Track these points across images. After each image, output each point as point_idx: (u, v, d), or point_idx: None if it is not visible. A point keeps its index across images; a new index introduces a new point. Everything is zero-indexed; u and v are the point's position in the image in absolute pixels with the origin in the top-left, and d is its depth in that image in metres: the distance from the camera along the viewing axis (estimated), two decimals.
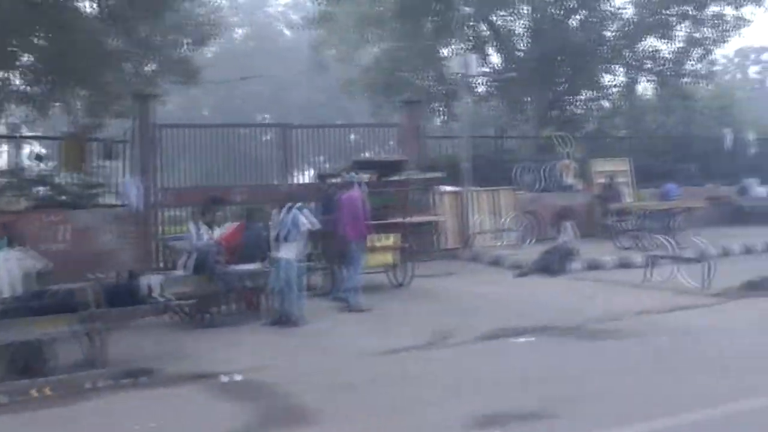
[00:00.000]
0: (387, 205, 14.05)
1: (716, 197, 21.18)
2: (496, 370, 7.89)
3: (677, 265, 12.78)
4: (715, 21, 25.42)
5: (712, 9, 25.00)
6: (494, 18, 22.59)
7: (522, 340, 9.27)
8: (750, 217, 20.85)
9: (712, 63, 26.40)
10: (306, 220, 11.05)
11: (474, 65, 17.47)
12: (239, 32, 46.64)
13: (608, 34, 23.99)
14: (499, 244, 17.21)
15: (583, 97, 24.37)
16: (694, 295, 11.81)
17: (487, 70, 22.76)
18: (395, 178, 14.56)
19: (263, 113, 44.91)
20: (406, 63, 22.64)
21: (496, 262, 15.94)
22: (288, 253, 10.82)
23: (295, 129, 17.38)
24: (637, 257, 14.82)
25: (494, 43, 22.95)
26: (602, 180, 19.47)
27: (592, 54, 23.18)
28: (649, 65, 24.22)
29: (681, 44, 25.24)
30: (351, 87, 25.03)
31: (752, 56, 51.00)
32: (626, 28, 24.20)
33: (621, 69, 24.40)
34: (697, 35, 25.34)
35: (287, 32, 43.51)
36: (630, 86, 24.44)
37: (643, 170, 20.56)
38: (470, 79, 20.03)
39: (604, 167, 19.92)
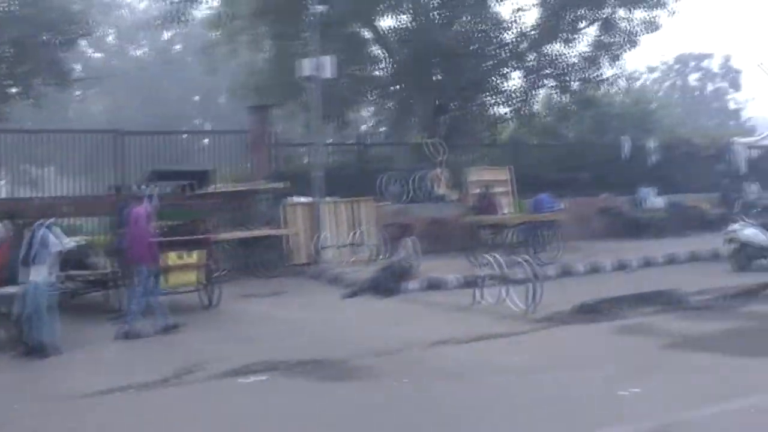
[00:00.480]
0: (195, 220, 12.62)
1: (608, 208, 19.93)
2: (189, 418, 6.75)
3: (506, 287, 11.44)
4: (623, 25, 24.39)
5: (620, 13, 23.87)
6: (375, 19, 21.21)
7: (252, 379, 7.93)
8: (645, 229, 19.65)
9: (621, 68, 25.14)
10: (56, 239, 9.82)
11: (329, 68, 16.02)
12: (167, 35, 45.12)
13: (507, 37, 22.67)
14: (352, 259, 15.78)
15: (479, 103, 22.99)
16: (515, 320, 10.59)
17: (358, 73, 21.30)
18: (209, 190, 13.08)
19: (196, 118, 43.56)
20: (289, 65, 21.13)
21: (335, 280, 14.55)
22: (36, 276, 9.72)
23: (128, 136, 15.89)
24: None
25: (374, 46, 21.52)
26: (477, 190, 18.10)
27: (488, 58, 21.87)
28: (549, 71, 22.93)
29: (587, 49, 24.05)
30: (239, 91, 23.56)
31: (692, 63, 50.14)
32: (531, 33, 22.95)
33: (520, 74, 23.06)
34: (603, 39, 24.22)
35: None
36: (529, 92, 23.09)
37: (530, 180, 19.24)
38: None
39: (481, 176, 18.55)
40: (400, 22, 20.92)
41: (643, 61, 48.88)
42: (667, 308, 11.31)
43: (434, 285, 13.51)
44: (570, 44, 23.76)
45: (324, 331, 10.48)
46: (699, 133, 24.32)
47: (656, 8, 23.13)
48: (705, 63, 50.34)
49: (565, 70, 23.16)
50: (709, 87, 50.35)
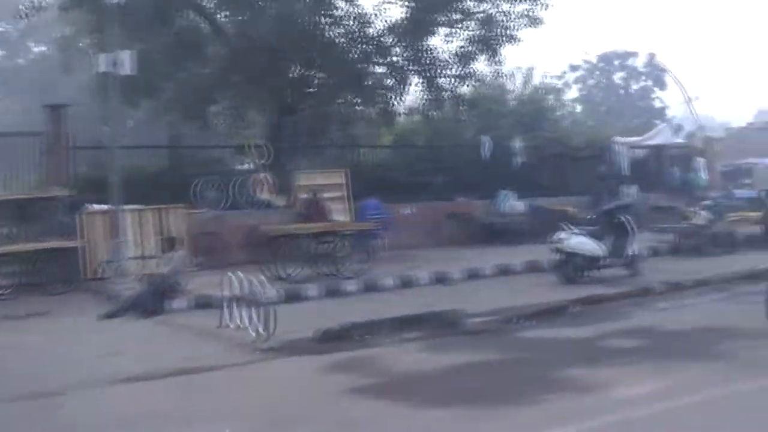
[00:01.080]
0: None
1: (458, 213, 18.46)
2: None
3: (256, 308, 9.86)
4: (500, 19, 22.95)
5: (504, 7, 22.41)
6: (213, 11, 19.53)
7: None
8: (501, 235, 18.22)
9: (500, 64, 23.68)
10: None
11: (128, 64, 14.35)
12: None
13: (371, 32, 21.07)
14: (145, 272, 14.09)
15: (342, 102, 21.37)
16: (241, 350, 9.13)
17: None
18: None
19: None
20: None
21: (113, 297, 12.91)
22: None
23: None
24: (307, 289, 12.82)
25: (210, 40, 19.74)
26: (306, 195, 16.57)
27: (345, 54, 20.27)
28: (416, 68, 21.41)
29: (462, 44, 22.56)
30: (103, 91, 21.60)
31: (617, 62, 49.05)
32: (399, 27, 21.38)
33: (384, 71, 21.50)
34: (479, 34, 22.75)
35: None
36: (396, 90, 21.53)
37: (377, 184, 17.74)
38: None
39: (313, 180, 17.00)
40: (236, 13, 19.17)
41: (565, 59, 47.23)
42: (435, 333, 9.97)
43: (203, 304, 11.92)
44: (445, 39, 22.35)
45: (31, 363, 8.93)
46: (577, 133, 22.94)
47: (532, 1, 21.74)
48: (630, 61, 49.19)
49: (435, 67, 21.66)
50: (635, 86, 49.27)
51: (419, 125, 27.21)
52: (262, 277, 9.81)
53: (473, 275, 14.53)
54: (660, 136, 22.84)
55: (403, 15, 21.21)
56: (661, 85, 48.27)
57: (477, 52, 23.04)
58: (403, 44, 21.92)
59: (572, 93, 48.70)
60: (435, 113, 21.81)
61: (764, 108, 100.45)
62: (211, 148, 19.78)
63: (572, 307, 11.40)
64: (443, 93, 22.47)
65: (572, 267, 13.23)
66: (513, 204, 18.77)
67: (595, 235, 13.44)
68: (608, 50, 49.12)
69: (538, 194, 20.03)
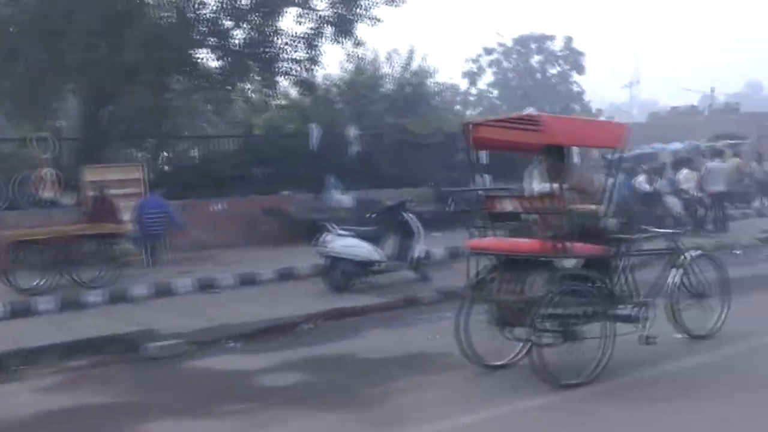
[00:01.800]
0: None
1: (274, 209, 16.85)
2: None
3: None
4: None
5: None
6: None
7: None
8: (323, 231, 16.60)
9: (359, 47, 22.13)
10: None
11: None
12: None
13: (207, 12, 19.31)
14: None
15: (175, 89, 19.64)
16: None
17: None
18: None
19: None
20: None
21: None
22: None
23: None
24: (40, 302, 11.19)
25: None
26: (92, 193, 14.89)
27: (175, 36, 18.48)
28: (256, 51, 19.75)
29: (313, 25, 20.92)
30: None
31: (533, 45, 47.64)
32: (240, 8, 19.66)
33: (214, 56, 19.80)
34: (332, 13, 21.16)
35: None
36: (233, 76, 19.86)
37: (189, 178, 16.11)
38: None
39: (102, 176, 15.31)
40: None
41: (479, 42, 45.74)
42: (108, 360, 8.68)
43: None
44: (297, 20, 20.73)
45: None
46: (426, 120, 21.33)
47: None
48: (549, 45, 47.76)
49: (277, 51, 20.02)
50: (552, 70, 47.93)
51: (291, 113, 25.85)
52: None
53: (247, 281, 13.01)
54: None
55: None
56: (579, 68, 47.04)
57: (332, 34, 21.59)
58: (246, 26, 20.30)
59: (488, 77, 47.36)
60: (273, 99, 20.26)
61: (708, 92, 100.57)
62: None
63: (308, 324, 9.93)
64: (288, 78, 20.97)
65: (341, 273, 11.68)
66: (338, 198, 17.18)
67: (369, 236, 11.89)
68: (525, 33, 47.68)
69: (373, 186, 18.50)
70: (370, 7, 21.28)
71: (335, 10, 21.23)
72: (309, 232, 16.52)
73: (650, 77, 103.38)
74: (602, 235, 6.62)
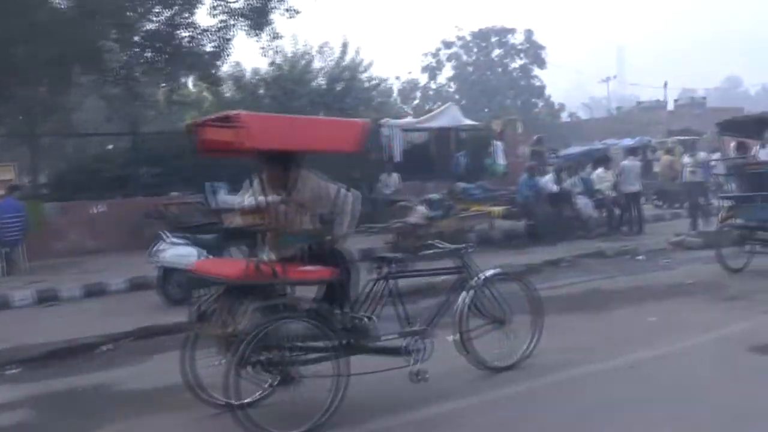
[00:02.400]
0: None
1: (154, 212, 15.72)
2: None
3: None
4: None
5: None
6: None
7: None
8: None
9: (274, 39, 21.07)
10: None
11: None
12: None
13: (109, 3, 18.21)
14: None
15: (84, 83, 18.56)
16: None
17: None
18: None
19: None
20: None
21: None
22: None
23: None
24: None
25: None
26: None
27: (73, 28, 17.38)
28: (160, 44, 18.73)
29: (225, 18, 19.95)
30: None
31: (494, 39, 46.48)
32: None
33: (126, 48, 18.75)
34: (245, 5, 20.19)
35: None
36: (135, 69, 18.81)
37: (77, 179, 15.05)
38: None
39: None
40: None
41: (438, 35, 44.51)
42: None
43: None
44: (211, 12, 19.77)
45: None
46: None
47: None
48: (510, 38, 46.59)
49: (181, 44, 18.99)
50: (513, 64, 46.80)
51: (217, 108, 24.81)
52: None
53: (95, 292, 11.99)
54: (443, 117, 20.20)
55: None
56: (540, 63, 45.95)
57: (247, 26, 20.67)
58: (154, 19, 19.30)
59: (448, 71, 46.26)
60: (177, 94, 19.22)
61: (689, 87, 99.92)
62: None
63: (107, 345, 8.88)
64: (193, 72, 19.97)
65: (176, 285, 10.61)
66: (225, 199, 16.04)
67: (208, 245, 10.78)
68: (485, 26, 46.49)
69: None
70: None
71: (248, 2, 20.31)
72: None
73: (637, 70, 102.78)
74: (336, 256, 5.60)
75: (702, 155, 17.26)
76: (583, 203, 16.13)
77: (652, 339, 7.62)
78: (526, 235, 15.88)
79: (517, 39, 46.25)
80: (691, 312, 8.92)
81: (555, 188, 15.95)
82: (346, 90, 25.46)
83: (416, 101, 45.93)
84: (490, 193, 16.67)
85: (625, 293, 10.35)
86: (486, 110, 45.42)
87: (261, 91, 24.88)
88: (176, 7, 19.52)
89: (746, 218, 11.29)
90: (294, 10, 21.35)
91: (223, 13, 20.25)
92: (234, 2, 20.35)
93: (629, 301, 9.76)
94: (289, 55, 26.05)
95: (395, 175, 18.18)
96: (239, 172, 16.57)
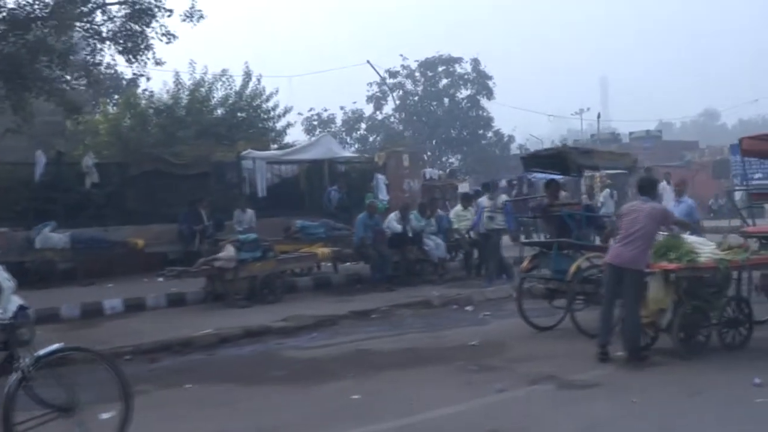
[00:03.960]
0: None
1: None
2: None
3: None
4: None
5: None
6: None
7: None
8: (33, 275, 14.26)
9: (142, 65, 19.82)
10: None
11: None
12: None
13: None
14: None
15: None
16: None
17: None
18: None
19: None
20: None
21: None
22: None
23: None
24: None
25: None
26: None
27: None
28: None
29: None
30: None
31: (441, 68, 45.29)
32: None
33: None
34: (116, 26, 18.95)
35: None
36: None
37: None
38: None
39: None
40: None
41: (381, 64, 43.30)
42: None
43: None
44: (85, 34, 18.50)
45: None
46: (196, 148, 18.91)
47: None
48: (458, 68, 45.36)
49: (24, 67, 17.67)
50: (460, 94, 45.56)
51: (112, 138, 23.60)
52: None
53: None
54: (316, 148, 18.81)
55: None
56: (488, 93, 44.76)
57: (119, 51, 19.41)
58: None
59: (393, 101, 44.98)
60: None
61: (666, 119, 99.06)
62: None
63: None
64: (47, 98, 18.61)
65: None
66: (48, 236, 14.69)
67: None
68: (431, 55, 45.30)
69: (118, 223, 16.13)
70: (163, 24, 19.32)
71: (120, 27, 19.09)
72: (14, 275, 14.09)
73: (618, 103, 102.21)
74: None
75: (503, 197, 15.32)
76: (433, 244, 14.72)
77: (348, 418, 6.45)
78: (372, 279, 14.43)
79: (466, 69, 45.04)
80: (421, 385, 7.51)
81: (398, 228, 14.54)
82: (248, 120, 24.18)
83: (362, 131, 44.78)
84: (335, 231, 15.29)
85: (379, 357, 8.92)
86: (434, 141, 44.31)
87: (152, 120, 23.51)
88: (39, 32, 18.29)
89: (546, 268, 9.90)
90: (172, 35, 20.25)
91: (92, 37, 19.09)
92: (100, 25, 19.20)
93: (370, 368, 8.34)
94: (188, 82, 24.89)
95: (250, 212, 16.78)
96: (77, 207, 15.52)
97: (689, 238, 8.28)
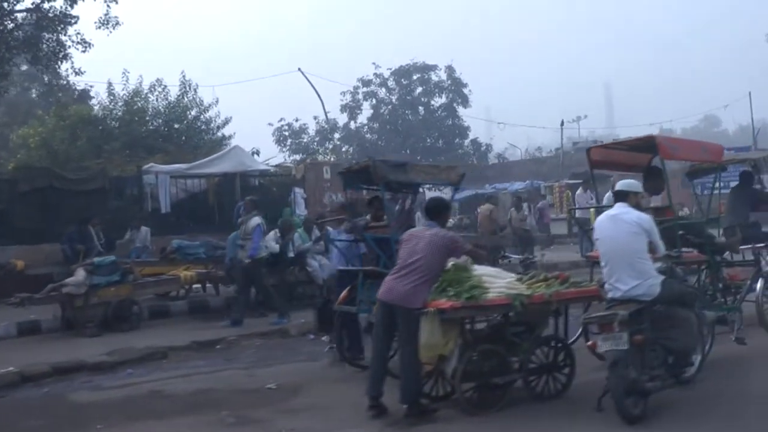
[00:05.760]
0: None
1: None
2: None
3: None
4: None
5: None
6: None
7: None
8: None
9: (58, 77, 19.24)
10: None
11: None
12: None
13: None
14: None
15: None
16: None
17: None
18: None
19: None
20: None
21: None
22: None
23: None
24: None
25: None
26: None
27: None
28: None
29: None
30: None
31: (415, 76, 44.33)
32: None
33: None
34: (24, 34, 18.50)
35: None
36: None
37: None
38: None
39: None
40: None
41: (354, 72, 42.45)
42: None
43: None
44: None
45: None
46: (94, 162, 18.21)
47: None
48: (433, 75, 44.38)
49: None
50: (434, 102, 44.58)
51: (42, 151, 23.13)
52: None
53: None
54: (225, 161, 17.94)
55: None
56: (464, 101, 43.74)
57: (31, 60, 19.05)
58: None
59: (368, 110, 44.12)
60: None
61: (667, 126, 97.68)
62: None
63: None
64: None
65: None
66: None
67: None
68: (405, 63, 44.34)
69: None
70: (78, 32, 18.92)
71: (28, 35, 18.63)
72: None
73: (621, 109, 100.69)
74: None
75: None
76: (318, 266, 13.81)
77: None
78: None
79: (441, 77, 44.05)
80: None
81: (276, 248, 13.62)
82: (183, 131, 23.49)
83: (337, 142, 43.92)
84: (217, 251, 14.42)
85: (158, 402, 8.06)
86: (407, 151, 43.32)
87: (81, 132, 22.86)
88: None
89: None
90: (88, 44, 19.79)
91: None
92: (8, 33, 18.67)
93: (130, 416, 7.49)
94: (122, 93, 24.34)
95: (144, 229, 16.00)
96: None
97: (479, 270, 7.30)
